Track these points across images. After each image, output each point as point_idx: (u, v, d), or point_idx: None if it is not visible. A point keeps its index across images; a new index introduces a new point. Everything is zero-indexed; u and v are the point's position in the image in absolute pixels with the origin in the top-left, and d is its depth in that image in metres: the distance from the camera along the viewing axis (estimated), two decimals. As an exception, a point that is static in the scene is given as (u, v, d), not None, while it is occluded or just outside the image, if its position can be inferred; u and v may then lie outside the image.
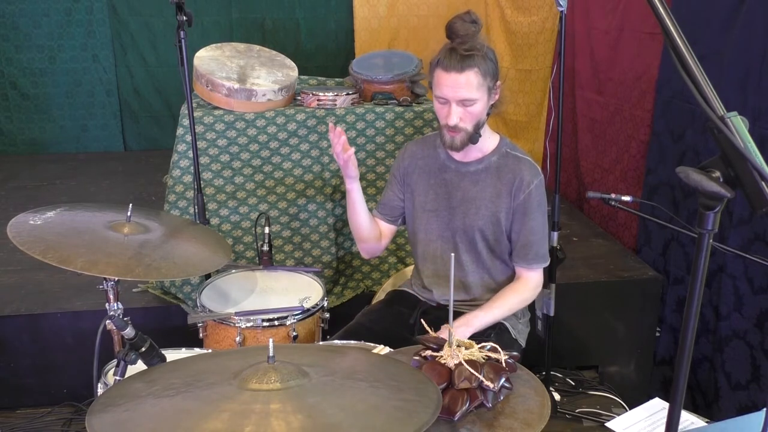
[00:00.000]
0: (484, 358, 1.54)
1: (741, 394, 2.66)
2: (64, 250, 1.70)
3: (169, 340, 2.08)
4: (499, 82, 2.06)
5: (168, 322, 2.87)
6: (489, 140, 2.15)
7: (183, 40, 2.41)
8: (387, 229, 2.31)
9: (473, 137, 2.05)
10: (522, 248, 2.13)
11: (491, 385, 1.46)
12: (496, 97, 2.07)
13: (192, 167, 2.68)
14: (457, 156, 2.17)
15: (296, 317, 2.20)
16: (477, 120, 2.03)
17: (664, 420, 1.08)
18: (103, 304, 1.94)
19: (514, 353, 1.61)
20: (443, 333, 1.69)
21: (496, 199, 2.11)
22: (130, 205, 1.94)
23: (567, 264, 2.78)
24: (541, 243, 2.14)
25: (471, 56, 1.96)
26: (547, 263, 2.19)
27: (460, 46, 1.97)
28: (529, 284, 2.16)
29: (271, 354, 1.25)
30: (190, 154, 2.65)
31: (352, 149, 2.06)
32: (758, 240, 2.54)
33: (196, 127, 2.63)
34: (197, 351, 2.07)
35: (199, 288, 2.38)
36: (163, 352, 1.58)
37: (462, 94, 1.97)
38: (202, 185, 2.64)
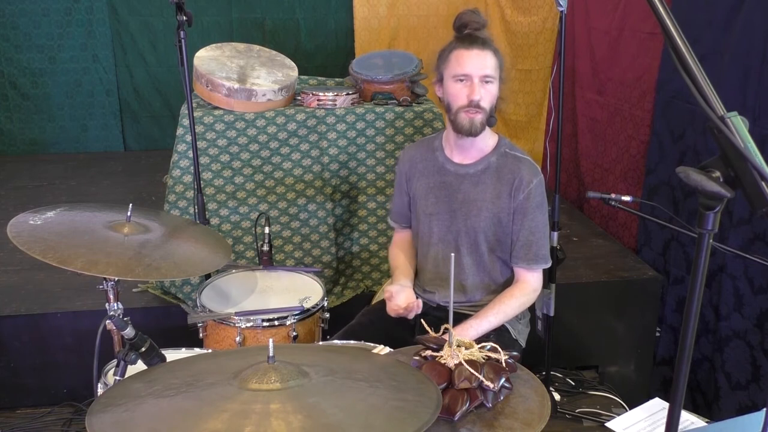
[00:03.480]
0: (484, 358, 1.54)
1: (741, 394, 2.66)
2: (64, 250, 1.70)
3: (169, 340, 2.08)
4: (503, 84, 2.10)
5: (168, 322, 2.87)
6: (488, 140, 2.15)
7: (183, 40, 2.41)
8: (409, 235, 2.35)
9: (490, 120, 2.08)
10: (522, 248, 2.13)
11: (491, 385, 1.46)
12: (499, 94, 2.11)
13: (192, 167, 2.68)
14: (456, 158, 2.17)
15: (296, 317, 2.20)
16: (492, 103, 2.07)
17: (664, 420, 1.08)
18: (103, 304, 1.94)
19: (514, 353, 1.61)
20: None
21: (497, 200, 2.11)
22: (130, 205, 1.93)
23: (567, 264, 2.78)
24: (542, 243, 2.14)
25: (488, 41, 2.06)
26: (548, 264, 2.18)
27: (476, 32, 2.05)
28: (526, 288, 2.15)
29: (271, 354, 1.24)
30: (190, 154, 2.65)
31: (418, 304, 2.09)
32: (758, 240, 2.54)
33: (196, 127, 2.63)
34: (197, 351, 2.07)
35: (199, 288, 2.38)
36: (163, 352, 1.58)
37: (485, 70, 2.03)
38: (202, 185, 2.64)
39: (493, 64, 2.04)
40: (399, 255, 2.32)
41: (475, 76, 2.02)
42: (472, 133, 2.06)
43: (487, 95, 2.04)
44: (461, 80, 2.04)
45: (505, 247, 2.15)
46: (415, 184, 2.23)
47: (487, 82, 2.04)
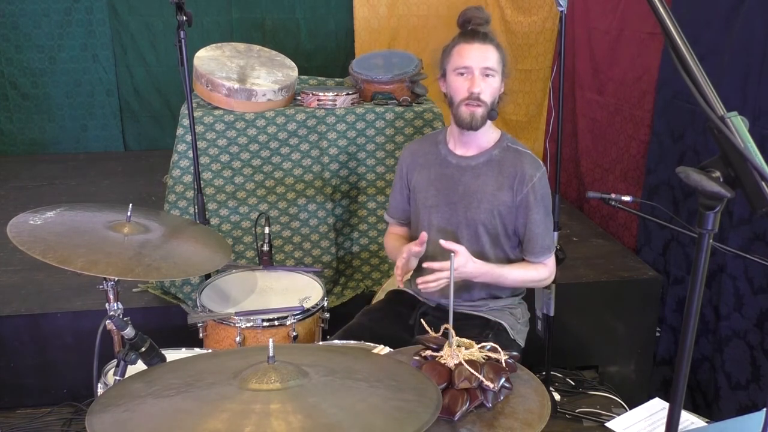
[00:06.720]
0: (484, 358, 1.54)
1: (741, 394, 2.66)
2: (64, 250, 1.70)
3: (169, 340, 2.08)
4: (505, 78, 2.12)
5: (168, 322, 2.87)
6: (490, 134, 2.17)
7: (183, 40, 2.41)
8: (403, 231, 2.35)
9: (491, 114, 2.09)
10: (528, 242, 2.15)
11: (491, 385, 1.46)
12: (503, 89, 2.12)
13: (192, 167, 2.68)
14: (459, 150, 2.18)
15: (296, 317, 2.20)
16: (494, 97, 2.08)
17: (664, 420, 1.08)
18: (103, 304, 1.94)
19: (514, 353, 1.61)
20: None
21: (498, 192, 2.12)
22: (130, 205, 1.93)
23: (567, 264, 2.78)
24: (546, 235, 2.15)
25: (491, 36, 2.08)
26: (553, 251, 2.21)
27: (479, 27, 2.08)
28: (542, 269, 2.19)
29: (271, 354, 1.24)
30: (190, 154, 2.65)
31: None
32: (758, 240, 2.54)
33: (196, 127, 2.63)
34: (197, 351, 2.07)
35: (199, 288, 2.38)
36: (163, 352, 1.58)
37: (486, 63, 2.04)
38: (202, 185, 2.64)
39: (494, 58, 2.06)
40: (398, 239, 2.34)
41: (475, 69, 2.04)
42: (473, 126, 2.07)
43: (488, 88, 2.05)
44: (462, 73, 2.06)
45: (504, 240, 2.16)
46: (416, 177, 2.24)
47: (488, 75, 2.05)
